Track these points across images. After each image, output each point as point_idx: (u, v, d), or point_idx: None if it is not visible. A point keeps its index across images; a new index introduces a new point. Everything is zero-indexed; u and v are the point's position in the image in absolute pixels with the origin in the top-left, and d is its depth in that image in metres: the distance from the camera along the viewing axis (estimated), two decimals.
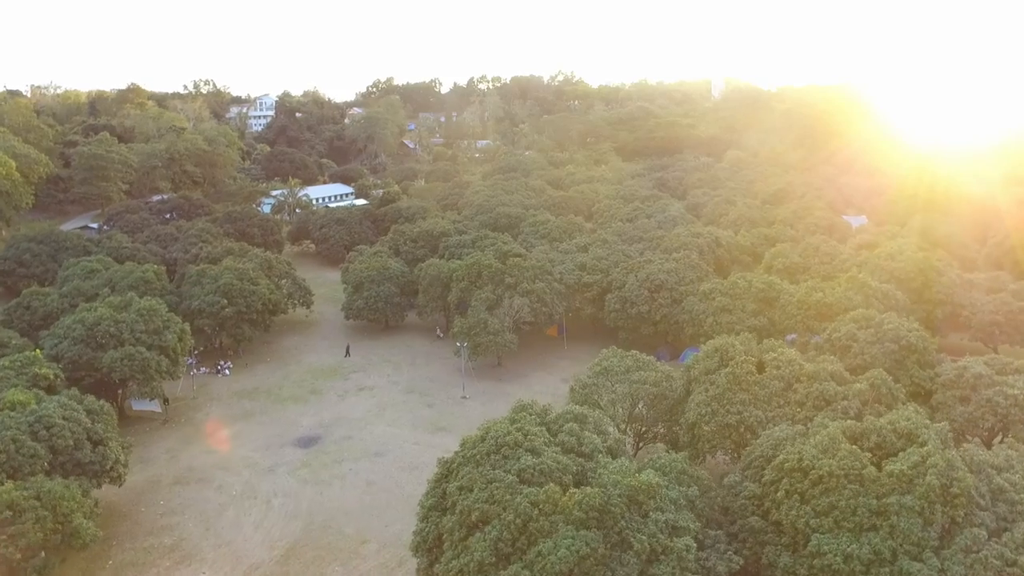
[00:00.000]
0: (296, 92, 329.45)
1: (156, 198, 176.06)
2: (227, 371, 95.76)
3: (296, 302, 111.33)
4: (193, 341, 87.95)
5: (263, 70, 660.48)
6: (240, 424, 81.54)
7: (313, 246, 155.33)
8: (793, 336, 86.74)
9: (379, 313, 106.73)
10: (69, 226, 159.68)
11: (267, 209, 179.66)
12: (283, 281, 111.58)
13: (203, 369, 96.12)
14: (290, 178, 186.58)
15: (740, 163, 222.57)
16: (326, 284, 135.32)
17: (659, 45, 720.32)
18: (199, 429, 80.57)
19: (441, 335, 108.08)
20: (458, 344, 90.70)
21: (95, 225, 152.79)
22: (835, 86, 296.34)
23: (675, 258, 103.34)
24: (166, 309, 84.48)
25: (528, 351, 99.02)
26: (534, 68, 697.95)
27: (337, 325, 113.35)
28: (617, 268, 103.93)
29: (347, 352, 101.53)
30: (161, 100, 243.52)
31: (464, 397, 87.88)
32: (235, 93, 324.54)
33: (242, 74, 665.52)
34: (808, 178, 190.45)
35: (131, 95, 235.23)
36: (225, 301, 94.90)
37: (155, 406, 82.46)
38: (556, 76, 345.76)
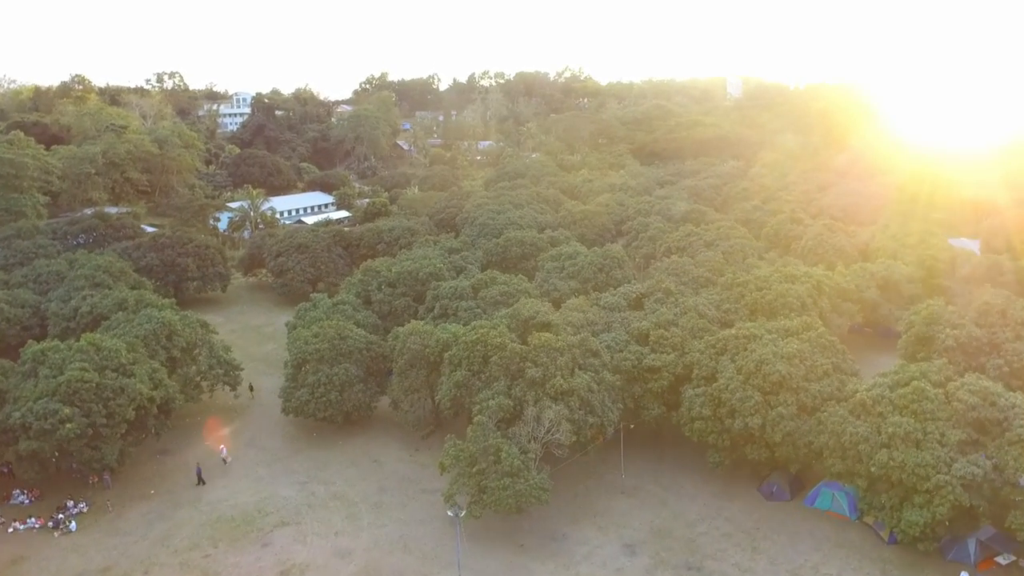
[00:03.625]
0: (288, 91, 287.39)
1: (88, 212, 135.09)
2: (72, 524, 54.99)
3: (214, 382, 70.77)
4: None
5: (254, 67, 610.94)
6: None
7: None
8: None
9: (331, 409, 65.84)
10: None
11: (223, 225, 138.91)
12: (196, 352, 70.89)
13: (31, 520, 55.32)
14: (250, 187, 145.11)
15: (779, 167, 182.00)
16: (279, 335, 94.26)
17: (666, 42, 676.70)
18: None
19: (424, 438, 67.51)
20: (450, 512, 49.79)
21: None
22: (878, 82, 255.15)
23: (787, 328, 62.61)
24: None
25: (563, 480, 58.40)
26: (538, 64, 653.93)
27: (278, 413, 72.41)
28: (700, 344, 63.16)
29: (199, 478, 60.80)
30: (115, 94, 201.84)
31: None
32: (226, 92, 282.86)
33: (233, 72, 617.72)
34: (870, 187, 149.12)
35: (73, 88, 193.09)
36: (66, 410, 53.97)
37: None
38: (563, 72, 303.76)
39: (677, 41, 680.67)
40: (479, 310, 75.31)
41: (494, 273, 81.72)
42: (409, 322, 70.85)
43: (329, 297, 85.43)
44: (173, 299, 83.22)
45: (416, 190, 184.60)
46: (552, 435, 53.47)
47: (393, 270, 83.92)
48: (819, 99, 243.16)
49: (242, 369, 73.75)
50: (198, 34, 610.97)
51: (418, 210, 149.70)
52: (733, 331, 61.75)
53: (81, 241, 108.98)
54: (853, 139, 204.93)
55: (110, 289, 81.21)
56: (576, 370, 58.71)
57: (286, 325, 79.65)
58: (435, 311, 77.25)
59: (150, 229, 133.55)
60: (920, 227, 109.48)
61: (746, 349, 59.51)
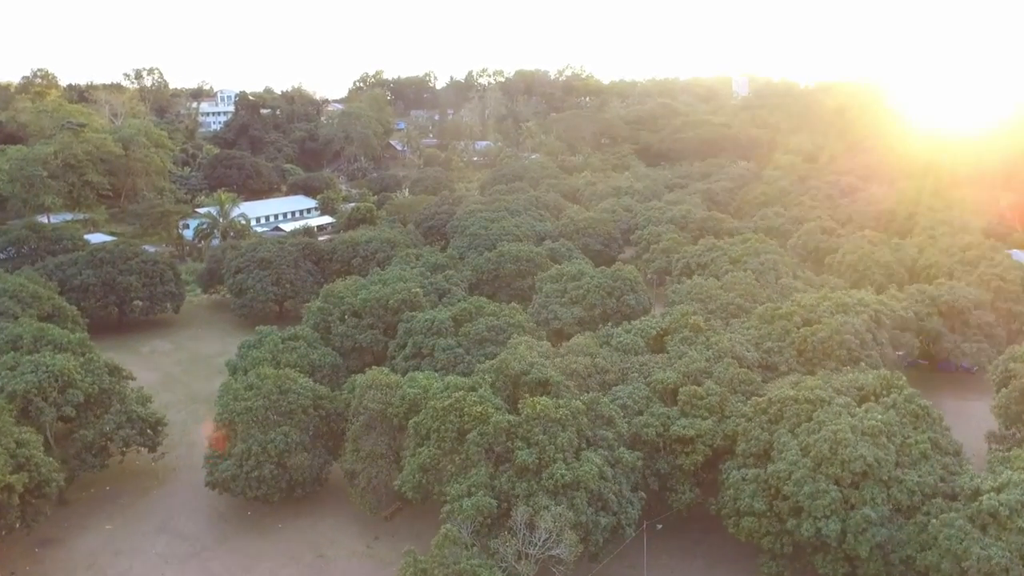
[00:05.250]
0: (281, 90, 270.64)
1: (41, 219, 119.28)
2: None
3: (125, 444, 54.39)
4: None
5: (248, 67, 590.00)
6: None
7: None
8: None
9: (264, 486, 49.60)
10: None
11: (191, 234, 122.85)
12: (105, 406, 54.58)
13: None
14: (220, 191, 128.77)
15: (794, 169, 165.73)
16: None
17: (669, 41, 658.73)
18: None
19: (388, 519, 51.37)
20: None
21: None
22: (896, 79, 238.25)
23: (861, 387, 46.49)
24: None
25: None
26: (538, 62, 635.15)
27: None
28: (746, 407, 47.01)
29: None
30: (83, 91, 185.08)
31: None
32: (211, 89, 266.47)
33: (226, 72, 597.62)
34: (901, 192, 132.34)
35: (33, 83, 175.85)
36: None
37: None
38: (564, 70, 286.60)
39: (679, 40, 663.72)
40: (460, 350, 59.19)
41: (480, 301, 65.42)
42: (371, 368, 54.62)
43: (294, 323, 69.87)
44: (86, 333, 67.01)
45: (406, 193, 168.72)
46: (550, 549, 37.30)
47: (359, 296, 67.55)
48: (833, 97, 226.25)
49: (164, 424, 57.44)
50: (192, 33, 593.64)
51: (406, 216, 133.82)
52: (792, 392, 45.37)
53: (10, 254, 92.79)
54: (873, 139, 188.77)
55: (16, 319, 65.04)
56: (583, 448, 42.55)
57: (226, 365, 63.30)
58: (407, 349, 61.12)
59: (106, 238, 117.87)
60: (970, 239, 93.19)
61: (811, 419, 43.29)
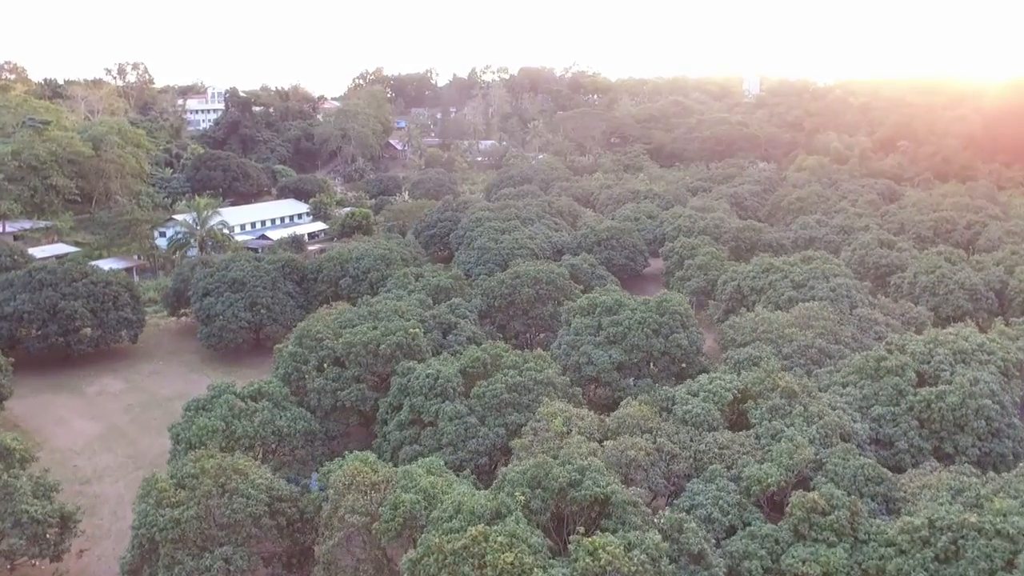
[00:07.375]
0: (276, 88, 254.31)
1: None
2: None
3: (11, 557, 38.79)
4: None
5: (246, 65, 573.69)
6: None
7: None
8: None
9: None
10: None
11: (165, 244, 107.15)
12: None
13: None
14: (197, 196, 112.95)
15: (826, 172, 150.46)
16: None
17: (674, 39, 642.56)
18: None
19: None
20: None
21: None
22: (927, 77, 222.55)
23: None
24: None
25: None
26: (543, 59, 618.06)
27: None
28: (892, 530, 31.25)
29: None
30: (58, 86, 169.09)
31: None
32: (201, 85, 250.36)
33: (224, 70, 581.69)
34: (954, 199, 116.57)
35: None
36: None
37: None
38: (570, 67, 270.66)
39: (685, 39, 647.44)
40: (473, 418, 43.57)
41: (497, 348, 49.64)
42: (350, 452, 39.03)
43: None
44: (9, 379, 51.25)
45: (406, 196, 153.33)
46: None
47: (342, 339, 51.78)
48: (856, 95, 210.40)
49: (77, 521, 41.72)
50: (188, 31, 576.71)
51: (405, 223, 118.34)
52: (972, 517, 29.69)
53: None
54: (902, 136, 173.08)
55: None
56: None
57: (169, 432, 47.35)
58: (403, 414, 45.53)
59: (69, 249, 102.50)
60: None
61: (1013, 564, 27.78)
